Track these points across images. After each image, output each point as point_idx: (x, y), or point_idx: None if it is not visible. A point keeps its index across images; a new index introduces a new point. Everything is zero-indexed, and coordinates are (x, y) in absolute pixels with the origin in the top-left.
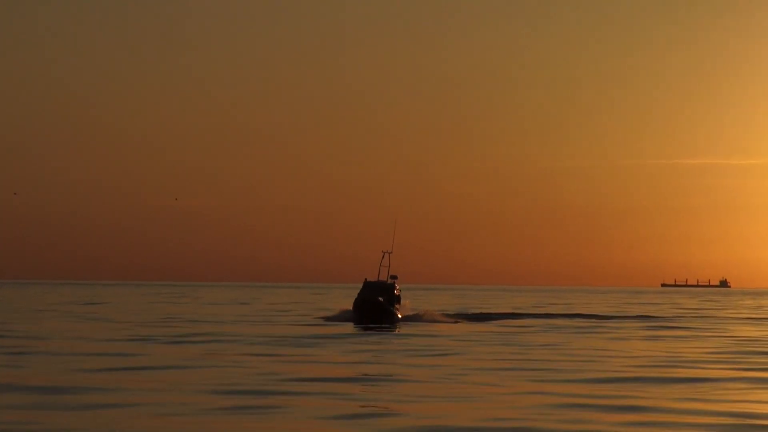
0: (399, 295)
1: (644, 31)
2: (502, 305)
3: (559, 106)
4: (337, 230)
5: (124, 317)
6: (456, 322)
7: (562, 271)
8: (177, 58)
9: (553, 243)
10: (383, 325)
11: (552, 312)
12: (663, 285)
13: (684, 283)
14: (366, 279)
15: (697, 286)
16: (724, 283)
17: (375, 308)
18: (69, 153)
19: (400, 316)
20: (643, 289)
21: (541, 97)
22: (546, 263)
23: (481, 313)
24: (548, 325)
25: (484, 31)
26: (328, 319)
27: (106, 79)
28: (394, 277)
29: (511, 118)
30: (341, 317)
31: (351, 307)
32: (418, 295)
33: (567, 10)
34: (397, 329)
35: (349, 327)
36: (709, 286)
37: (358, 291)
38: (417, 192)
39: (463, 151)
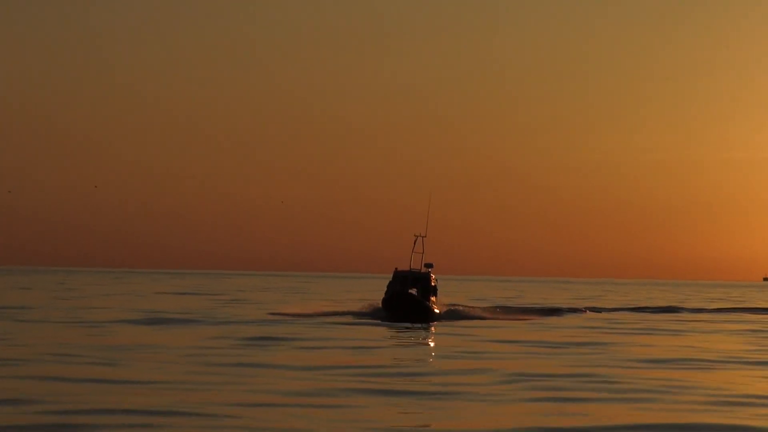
0: (435, 286)
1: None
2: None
3: (662, 97)
4: (362, 214)
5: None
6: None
7: (655, 264)
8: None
9: (644, 236)
10: (419, 324)
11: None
12: (765, 279)
13: None
14: (396, 268)
15: None
16: None
17: (407, 304)
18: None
19: (437, 311)
20: (745, 283)
21: (639, 88)
22: (638, 256)
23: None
24: None
25: (544, 20)
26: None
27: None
28: (429, 266)
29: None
30: (371, 314)
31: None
32: (463, 286)
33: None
34: (433, 328)
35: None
36: None
37: (388, 283)
38: (453, 167)
39: (516, 126)
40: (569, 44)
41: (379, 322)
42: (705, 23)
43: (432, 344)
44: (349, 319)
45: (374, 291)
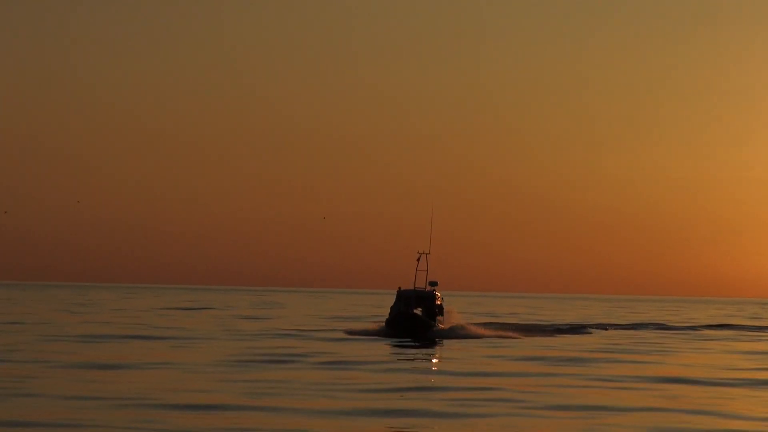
0: (441, 304)
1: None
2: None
3: (680, 114)
4: (365, 230)
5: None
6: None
7: (674, 282)
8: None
9: (662, 253)
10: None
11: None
12: None
13: None
14: (400, 288)
15: None
16: None
17: (412, 325)
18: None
19: (444, 329)
20: (764, 300)
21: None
22: (656, 273)
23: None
24: None
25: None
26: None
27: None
28: (433, 284)
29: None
30: (375, 333)
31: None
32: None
33: (672, 20)
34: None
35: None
36: None
37: (392, 304)
38: (456, 179)
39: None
40: (586, 59)
41: (375, 338)
42: (725, 41)
43: (418, 363)
44: (342, 335)
45: (376, 307)
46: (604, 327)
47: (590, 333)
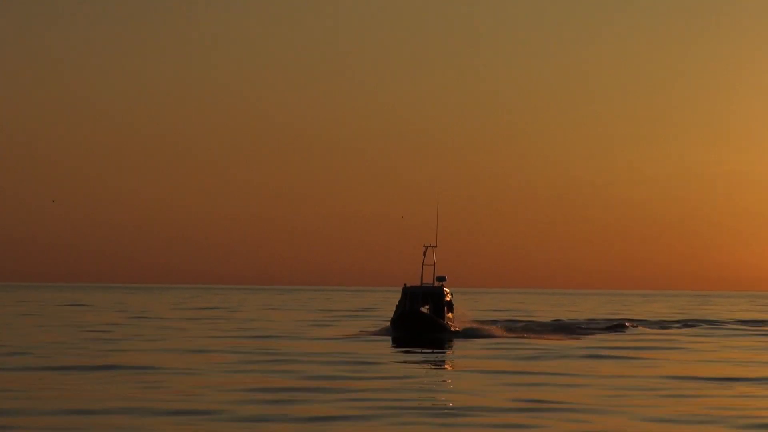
0: (451, 301)
1: None
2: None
3: (705, 110)
4: (366, 222)
5: None
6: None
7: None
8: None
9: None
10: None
11: None
12: None
13: None
14: (405, 284)
15: None
16: None
17: (419, 323)
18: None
19: (456, 329)
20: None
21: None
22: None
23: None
24: None
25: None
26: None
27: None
28: (441, 279)
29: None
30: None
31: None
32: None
33: (694, 13)
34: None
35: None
36: None
37: (398, 301)
38: (466, 173)
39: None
40: (604, 52)
41: (378, 338)
42: (749, 34)
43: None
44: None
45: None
46: (634, 323)
47: (623, 331)
